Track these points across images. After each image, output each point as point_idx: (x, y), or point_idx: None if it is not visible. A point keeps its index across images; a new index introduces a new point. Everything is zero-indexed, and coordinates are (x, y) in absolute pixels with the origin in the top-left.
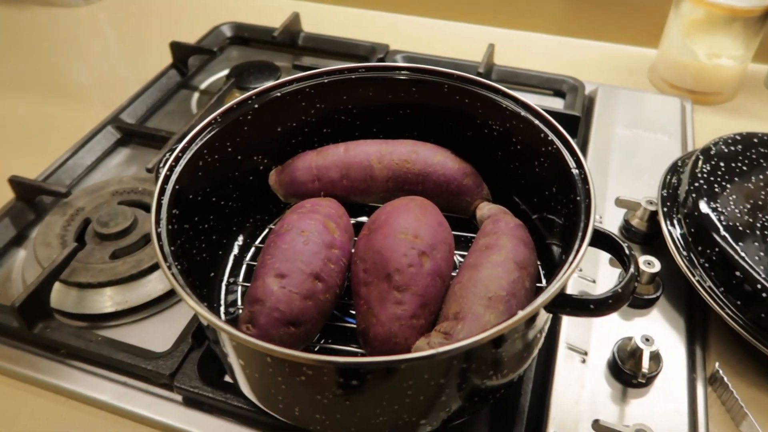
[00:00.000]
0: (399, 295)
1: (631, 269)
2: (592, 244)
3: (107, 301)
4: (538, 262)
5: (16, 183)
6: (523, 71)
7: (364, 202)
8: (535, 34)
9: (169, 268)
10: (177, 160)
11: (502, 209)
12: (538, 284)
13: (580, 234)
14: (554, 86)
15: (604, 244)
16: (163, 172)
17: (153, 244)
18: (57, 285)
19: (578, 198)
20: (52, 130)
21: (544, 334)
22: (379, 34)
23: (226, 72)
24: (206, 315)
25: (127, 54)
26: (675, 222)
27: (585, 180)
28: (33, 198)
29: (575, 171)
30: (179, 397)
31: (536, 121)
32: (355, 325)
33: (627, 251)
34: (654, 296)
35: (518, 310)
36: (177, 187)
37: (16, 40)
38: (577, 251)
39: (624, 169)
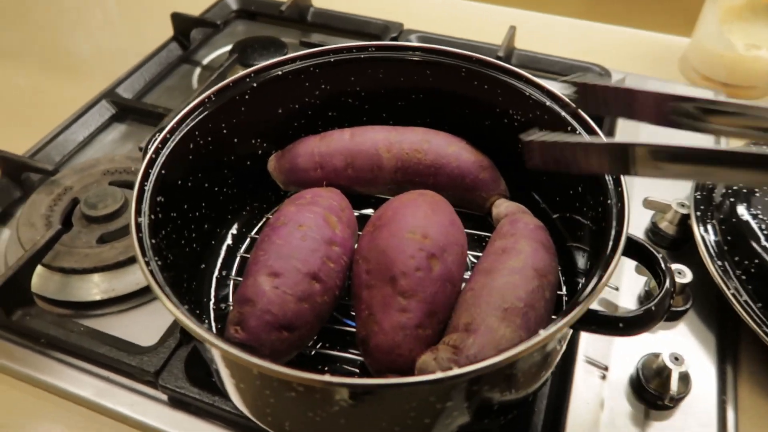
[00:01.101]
0: (404, 302)
1: (667, 284)
2: (623, 253)
3: (93, 288)
4: (559, 268)
5: (1, 158)
6: (545, 56)
7: (370, 193)
8: (558, 17)
9: (147, 264)
10: (164, 142)
11: (521, 208)
12: (558, 292)
13: (611, 243)
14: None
15: (636, 253)
16: (148, 154)
17: (131, 235)
18: (39, 269)
19: (609, 201)
20: (45, 102)
21: (563, 349)
22: (393, 12)
23: (229, 47)
24: (185, 320)
25: (127, 24)
26: (709, 227)
27: (617, 181)
28: (19, 174)
29: None
30: (164, 397)
31: (563, 113)
32: (355, 329)
33: (663, 264)
34: (682, 308)
35: (536, 323)
36: (163, 172)
37: (14, 7)
38: (608, 263)
39: None
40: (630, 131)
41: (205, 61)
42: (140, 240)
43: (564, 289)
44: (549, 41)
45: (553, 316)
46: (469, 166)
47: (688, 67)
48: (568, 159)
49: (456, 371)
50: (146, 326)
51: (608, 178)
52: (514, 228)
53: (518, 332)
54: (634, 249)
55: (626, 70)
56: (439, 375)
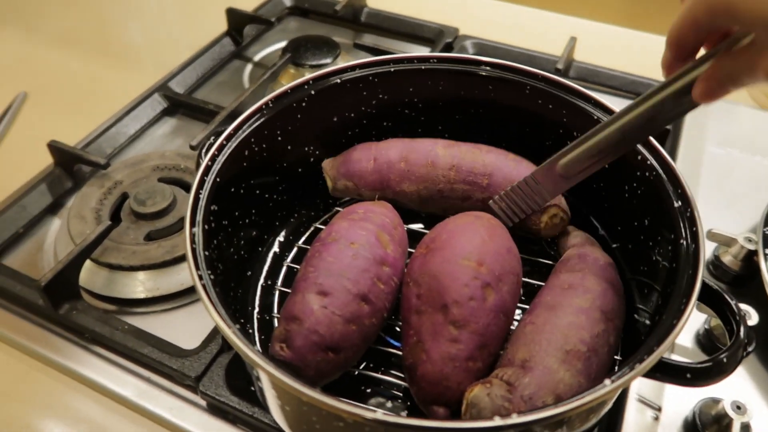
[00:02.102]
0: (455, 332)
1: (741, 335)
2: None
3: (138, 285)
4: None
5: (55, 149)
6: (604, 70)
7: (420, 206)
8: (620, 28)
9: (201, 278)
10: (221, 148)
11: (590, 239)
12: None
13: (684, 288)
14: (639, 90)
15: (708, 299)
16: (204, 161)
17: (186, 247)
18: (87, 263)
19: (682, 242)
20: (98, 89)
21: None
22: (449, 14)
23: (282, 44)
24: (238, 343)
25: (181, 16)
26: None
27: (692, 220)
28: (71, 166)
29: (678, 205)
30: (204, 403)
31: None
32: (400, 351)
33: (738, 313)
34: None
35: (598, 369)
36: (218, 180)
37: None
38: (681, 311)
39: (715, 194)
40: (695, 148)
41: (257, 58)
42: (194, 252)
43: None
44: (608, 53)
45: (616, 357)
46: (528, 171)
47: (758, 90)
48: (518, 205)
49: (516, 419)
50: (189, 328)
51: (681, 214)
52: (582, 262)
53: (578, 378)
54: (706, 293)
55: None
56: (497, 422)
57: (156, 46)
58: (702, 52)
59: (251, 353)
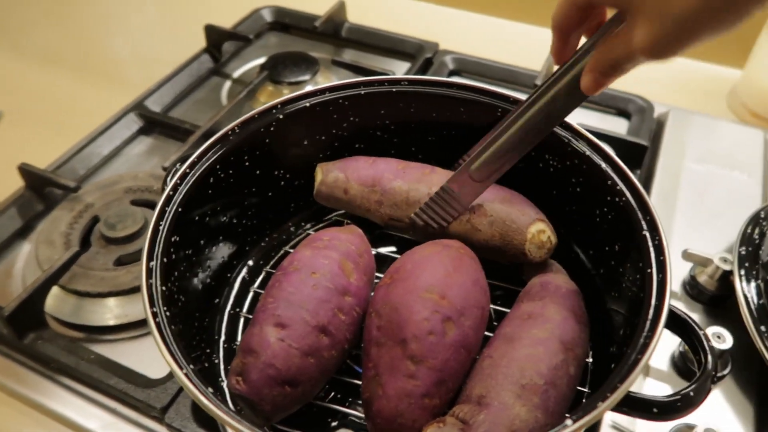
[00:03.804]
0: (413, 367)
1: (709, 366)
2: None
3: (106, 312)
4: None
5: (25, 171)
6: None
7: (407, 212)
8: None
9: (155, 315)
10: (183, 177)
11: (556, 267)
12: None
13: (650, 320)
14: (619, 105)
15: (676, 327)
16: (166, 191)
17: (141, 282)
18: (55, 290)
19: (649, 270)
20: (77, 108)
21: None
22: (429, 29)
23: (261, 60)
24: (190, 387)
25: (163, 34)
26: (753, 287)
27: (659, 249)
28: (42, 189)
29: (647, 234)
30: None
31: (603, 165)
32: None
33: (706, 343)
34: (719, 375)
35: (556, 402)
36: (180, 210)
37: (54, 8)
38: (646, 345)
39: (693, 212)
40: (674, 164)
41: (236, 74)
42: (150, 288)
43: (590, 355)
44: None
45: (581, 388)
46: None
47: (738, 103)
48: (439, 214)
49: None
50: (157, 355)
51: (649, 242)
52: (544, 291)
53: (534, 413)
54: (674, 322)
55: (670, 103)
56: None
57: (136, 63)
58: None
59: (202, 397)
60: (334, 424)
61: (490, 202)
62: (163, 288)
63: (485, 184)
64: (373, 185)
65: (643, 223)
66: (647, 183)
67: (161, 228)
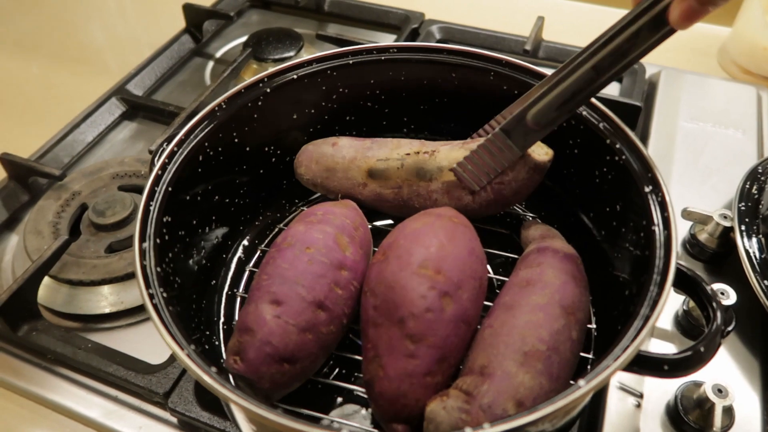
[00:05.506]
0: (412, 347)
1: (718, 321)
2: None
3: (101, 300)
4: (590, 297)
5: (7, 162)
6: (574, 49)
7: (397, 176)
8: (589, 5)
9: (152, 297)
10: (171, 155)
11: (552, 231)
12: (588, 325)
13: (657, 277)
14: None
15: (683, 285)
16: (154, 171)
17: (135, 265)
18: (47, 280)
19: (654, 228)
20: (57, 94)
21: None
22: (414, 0)
23: (244, 38)
24: (192, 366)
25: (141, 14)
26: (755, 242)
27: (663, 205)
28: (26, 179)
29: (649, 190)
30: (174, 419)
31: (601, 124)
32: None
33: (714, 300)
34: (727, 330)
35: (560, 367)
36: (170, 189)
37: None
38: (655, 303)
39: (689, 171)
40: (668, 123)
41: (219, 54)
42: (144, 269)
43: (593, 322)
44: (579, 31)
45: (584, 354)
46: None
47: (728, 60)
48: (487, 164)
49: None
50: (156, 341)
51: (651, 199)
52: (541, 256)
53: (539, 379)
54: (681, 280)
55: (661, 63)
56: None
57: (115, 47)
58: None
59: (205, 375)
60: (340, 400)
61: None
62: (158, 269)
63: (542, 132)
64: (364, 150)
65: (644, 180)
66: (642, 144)
67: (152, 208)
